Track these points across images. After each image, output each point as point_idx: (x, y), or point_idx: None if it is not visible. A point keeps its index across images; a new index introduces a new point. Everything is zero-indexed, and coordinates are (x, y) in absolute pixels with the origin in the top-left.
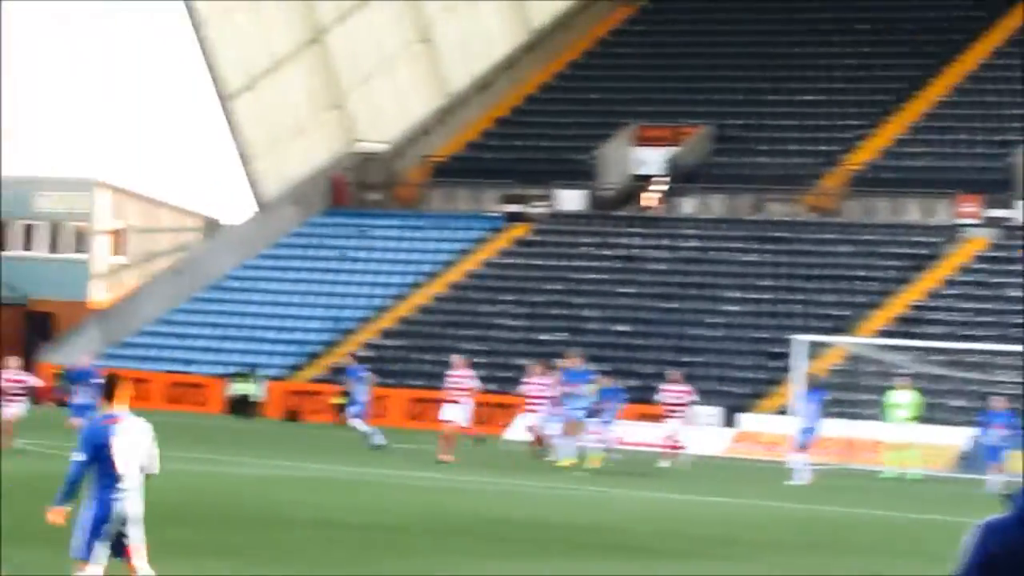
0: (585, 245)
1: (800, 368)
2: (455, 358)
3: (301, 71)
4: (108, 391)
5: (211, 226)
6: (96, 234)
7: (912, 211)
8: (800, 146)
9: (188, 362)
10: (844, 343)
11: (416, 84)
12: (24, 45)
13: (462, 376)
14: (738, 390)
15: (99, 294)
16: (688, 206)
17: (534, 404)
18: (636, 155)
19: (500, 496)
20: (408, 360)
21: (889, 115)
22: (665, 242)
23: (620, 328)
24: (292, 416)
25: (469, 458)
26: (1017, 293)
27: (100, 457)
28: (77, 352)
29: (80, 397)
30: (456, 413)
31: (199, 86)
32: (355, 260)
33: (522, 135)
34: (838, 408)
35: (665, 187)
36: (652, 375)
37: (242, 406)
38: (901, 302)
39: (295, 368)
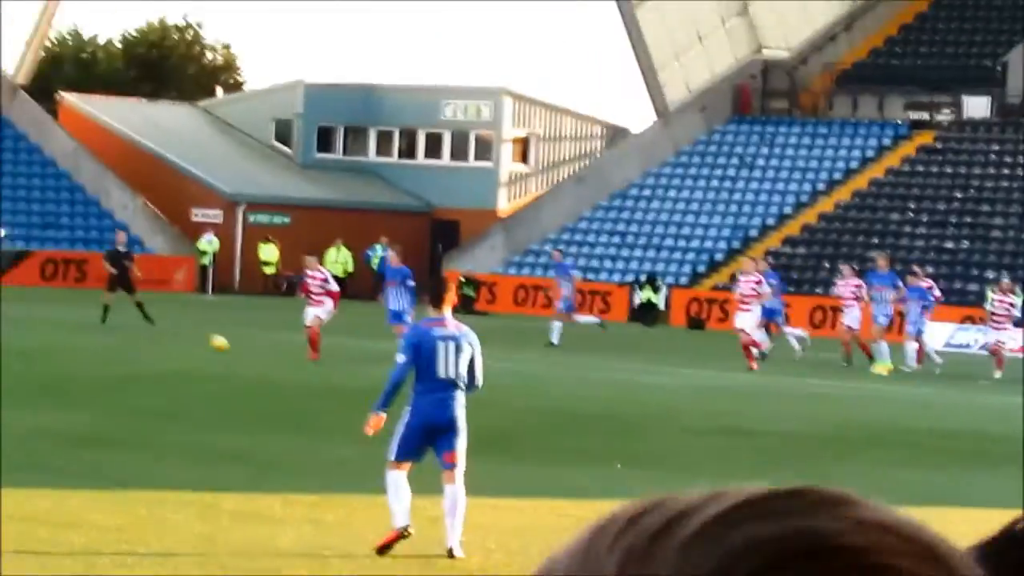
0: (993, 152)
1: None
2: (845, 268)
3: None
4: (436, 295)
5: (615, 134)
6: (501, 142)
7: None
8: None
9: (592, 270)
10: None
11: None
12: None
13: (853, 283)
14: None
15: (503, 202)
16: None
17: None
18: None
19: (895, 403)
20: (811, 268)
21: None
22: None
23: None
24: (695, 323)
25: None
26: None
27: (423, 361)
28: (483, 259)
29: (392, 300)
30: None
31: None
32: (759, 168)
33: (927, 41)
34: None
35: None
36: None
37: (646, 313)
38: None
39: (698, 276)
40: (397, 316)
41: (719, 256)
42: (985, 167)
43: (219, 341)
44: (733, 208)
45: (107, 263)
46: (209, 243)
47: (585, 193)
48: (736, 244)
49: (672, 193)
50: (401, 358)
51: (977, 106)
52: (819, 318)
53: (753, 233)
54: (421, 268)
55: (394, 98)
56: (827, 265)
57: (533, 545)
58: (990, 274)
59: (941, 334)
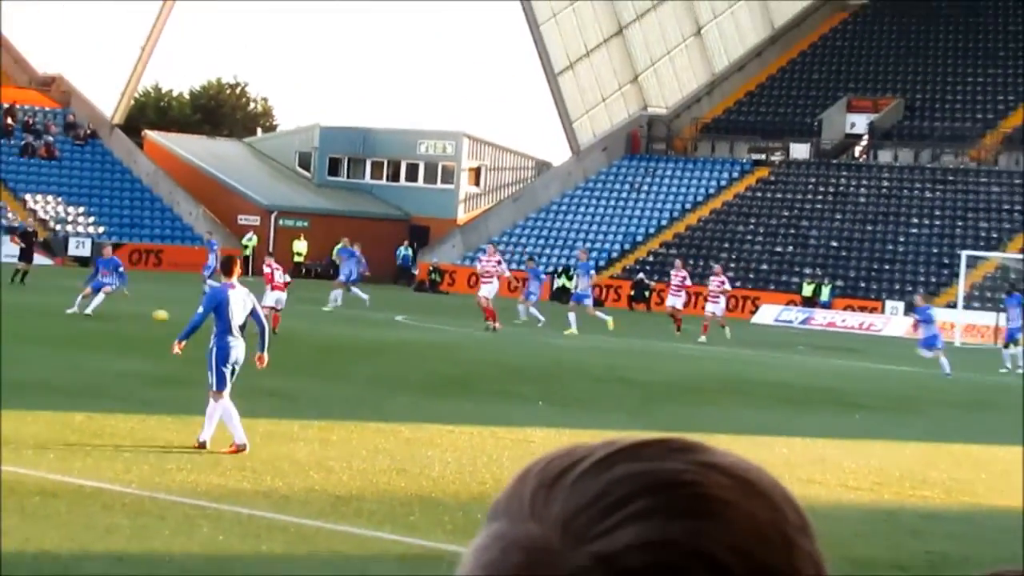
0: (811, 184)
1: (962, 274)
2: (716, 266)
3: (607, 56)
4: (227, 268)
5: (542, 166)
6: (460, 171)
7: None
8: (966, 114)
9: (523, 264)
10: (995, 257)
11: (690, 66)
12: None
13: (719, 279)
14: (918, 290)
15: (461, 214)
16: (884, 157)
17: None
18: (848, 119)
19: (738, 362)
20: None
21: None
22: (867, 183)
23: (834, 244)
24: (598, 303)
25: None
26: None
27: (220, 312)
28: (444, 255)
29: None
30: (714, 308)
31: (532, 66)
32: (644, 192)
33: (765, 103)
34: (990, 304)
35: (868, 143)
36: (855, 278)
37: (562, 295)
38: None
39: (599, 268)
40: (348, 278)
41: (615, 254)
42: (805, 194)
43: (160, 314)
44: (626, 220)
45: (19, 240)
46: (250, 240)
47: (520, 208)
48: (627, 246)
49: (582, 209)
50: (201, 309)
51: (800, 150)
52: (685, 300)
53: (639, 239)
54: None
55: (384, 137)
56: (691, 263)
57: (479, 459)
58: (807, 271)
59: (771, 313)
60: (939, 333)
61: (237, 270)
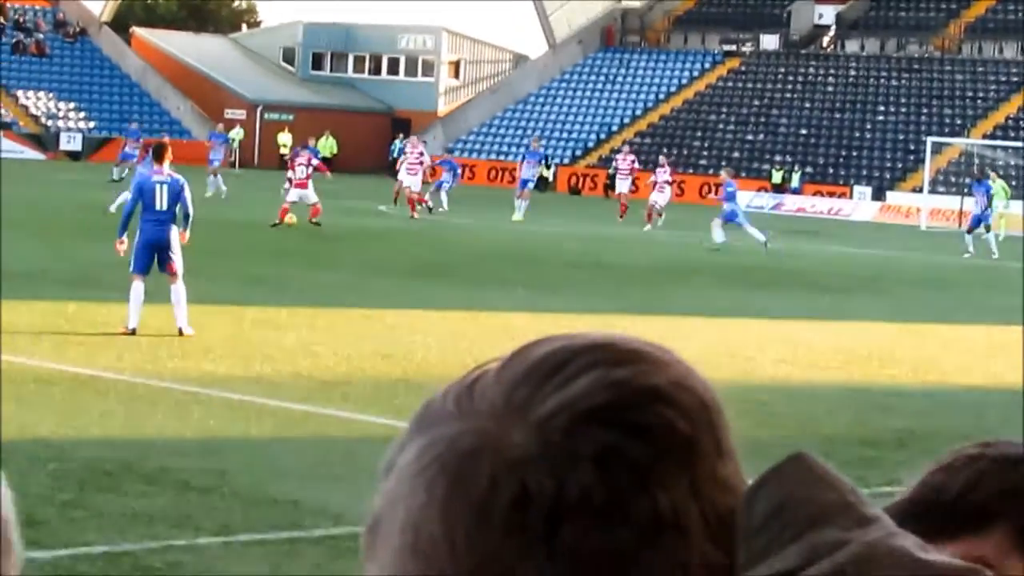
0: (780, 74)
1: (927, 160)
2: (661, 158)
3: None
4: (157, 154)
5: (519, 60)
6: (440, 64)
7: (1009, 51)
8: (930, 4)
9: (503, 154)
10: (960, 143)
11: None
12: None
13: (664, 170)
14: (885, 175)
15: (441, 106)
16: (851, 47)
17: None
18: (816, 10)
19: (721, 248)
20: (654, 153)
21: None
22: (834, 72)
23: (803, 132)
24: (574, 191)
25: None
26: None
27: (145, 199)
28: (427, 146)
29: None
30: (658, 197)
31: None
32: (619, 84)
33: None
34: (955, 188)
35: (835, 33)
36: (823, 165)
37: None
38: (1000, 115)
39: (576, 158)
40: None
41: (591, 144)
42: (775, 84)
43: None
44: (601, 111)
45: None
46: (237, 133)
47: (498, 101)
48: (603, 136)
49: (559, 101)
50: (127, 195)
51: (770, 41)
52: (660, 187)
53: (615, 128)
54: (383, 153)
55: (366, 32)
56: (666, 151)
57: (461, 343)
58: (777, 158)
59: (743, 199)
60: (739, 209)
61: (168, 156)
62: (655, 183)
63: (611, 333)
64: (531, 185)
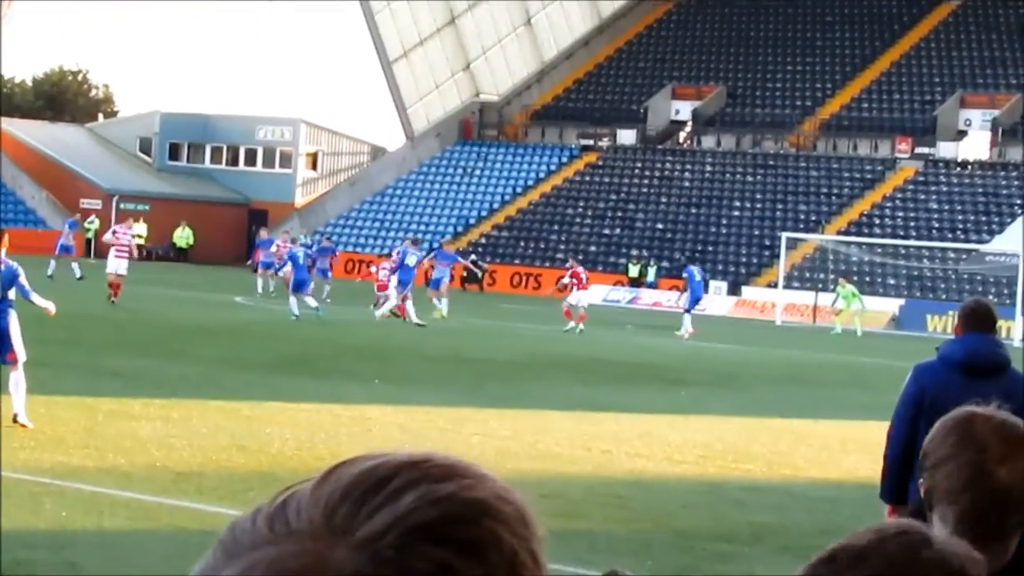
0: (636, 168)
1: (782, 255)
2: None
3: (440, 44)
4: None
5: (377, 152)
6: (298, 156)
7: (863, 148)
8: (785, 102)
9: (360, 246)
10: (815, 238)
11: (520, 54)
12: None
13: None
14: (740, 270)
15: (299, 198)
16: (708, 143)
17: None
18: (673, 106)
19: (578, 342)
20: (511, 246)
21: (847, 80)
22: (691, 167)
23: (659, 226)
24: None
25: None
26: (935, 206)
27: None
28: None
29: None
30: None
31: (367, 54)
32: (477, 177)
33: (593, 91)
34: (809, 283)
35: (692, 129)
36: (679, 259)
37: (471, 279)
38: (855, 212)
39: (433, 250)
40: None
41: (448, 237)
42: (631, 178)
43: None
44: (459, 204)
45: None
46: (91, 223)
47: (356, 193)
48: (460, 229)
49: (416, 193)
50: None
51: (627, 136)
52: (517, 280)
53: (472, 222)
54: (241, 243)
55: (224, 123)
56: (523, 244)
57: (317, 435)
58: (634, 252)
59: (600, 293)
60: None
61: (3, 244)
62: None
63: (426, 450)
64: (446, 281)
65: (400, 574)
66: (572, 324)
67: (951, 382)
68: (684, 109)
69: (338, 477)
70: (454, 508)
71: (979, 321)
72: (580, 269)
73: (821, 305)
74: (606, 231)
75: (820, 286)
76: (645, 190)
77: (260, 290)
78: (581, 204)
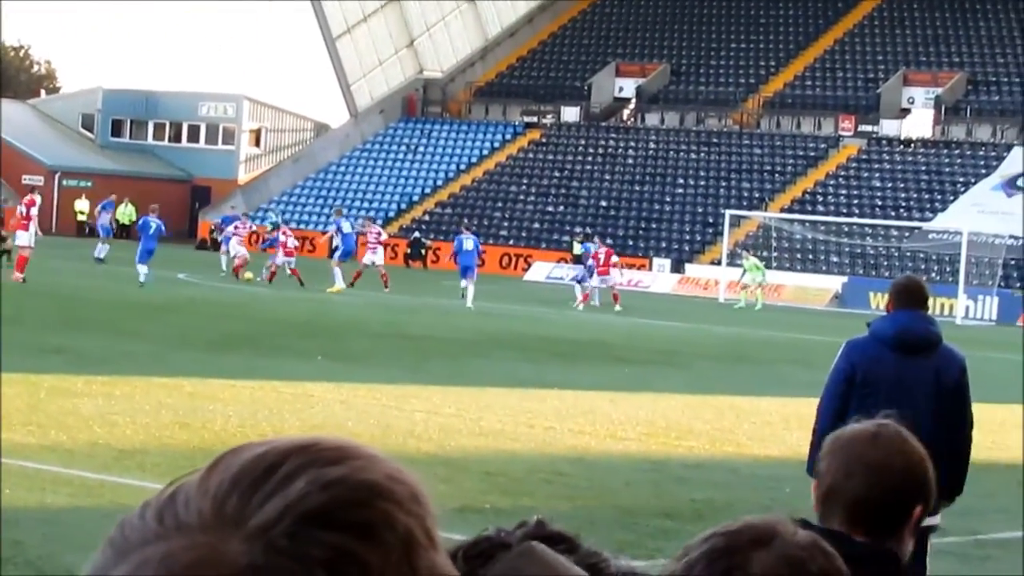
0: (580, 146)
1: (726, 232)
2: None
3: (384, 21)
4: None
5: (320, 129)
6: (241, 132)
7: (806, 126)
8: (729, 79)
9: (303, 223)
10: (758, 216)
11: (464, 32)
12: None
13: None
14: (684, 248)
15: (242, 175)
16: (651, 120)
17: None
18: (617, 83)
19: (522, 320)
20: (454, 224)
21: (791, 58)
22: (634, 144)
23: (603, 204)
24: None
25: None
26: (878, 184)
27: None
28: (226, 215)
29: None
30: (372, 257)
31: (310, 31)
32: (420, 154)
33: (536, 67)
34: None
35: (636, 106)
36: (623, 236)
37: (416, 254)
38: (798, 189)
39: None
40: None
41: (392, 214)
42: (575, 155)
43: None
44: (402, 181)
45: None
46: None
47: (299, 169)
48: (404, 206)
49: (360, 171)
50: None
51: (571, 113)
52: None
53: (416, 199)
54: (183, 220)
55: (167, 100)
56: (466, 221)
57: (260, 413)
58: (577, 229)
59: (543, 270)
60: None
61: None
62: (368, 244)
63: (314, 434)
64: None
65: (295, 562)
66: (617, 307)
67: (883, 358)
68: (628, 86)
69: (226, 466)
70: (345, 491)
71: (911, 298)
72: (602, 251)
73: (768, 283)
74: (550, 208)
75: (765, 264)
76: (589, 167)
77: (224, 268)
78: (525, 181)
